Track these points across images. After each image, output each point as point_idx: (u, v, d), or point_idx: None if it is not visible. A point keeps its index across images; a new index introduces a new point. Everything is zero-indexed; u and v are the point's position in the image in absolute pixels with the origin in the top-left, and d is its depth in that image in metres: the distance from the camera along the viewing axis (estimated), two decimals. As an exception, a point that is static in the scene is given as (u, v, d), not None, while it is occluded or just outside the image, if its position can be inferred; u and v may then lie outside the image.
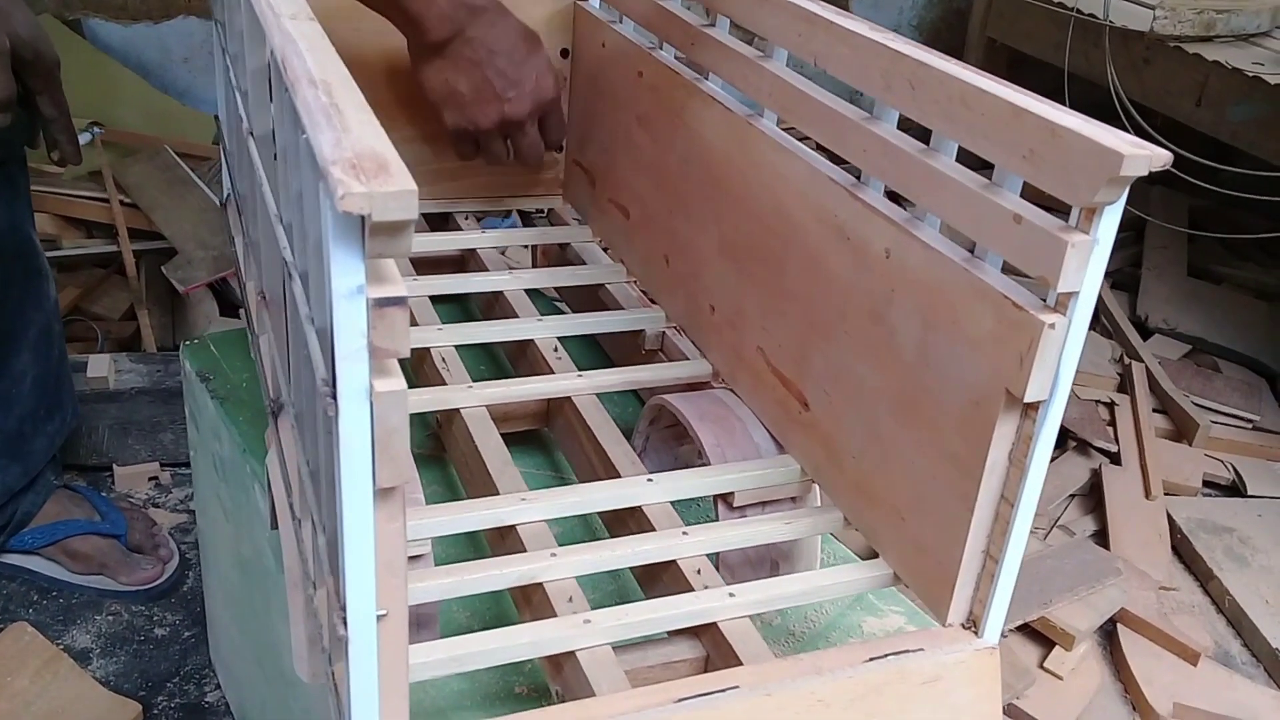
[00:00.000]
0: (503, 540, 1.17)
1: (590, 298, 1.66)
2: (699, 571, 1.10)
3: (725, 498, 1.24)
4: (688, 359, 1.46)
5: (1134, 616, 2.17)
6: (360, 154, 0.66)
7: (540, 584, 1.07)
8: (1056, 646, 2.10)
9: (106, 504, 2.14)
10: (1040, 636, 2.14)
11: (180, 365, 1.70)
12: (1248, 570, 2.41)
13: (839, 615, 1.28)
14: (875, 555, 1.11)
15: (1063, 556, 2.21)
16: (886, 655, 0.98)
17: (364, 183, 0.63)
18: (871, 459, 1.10)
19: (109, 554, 2.09)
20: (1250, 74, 2.71)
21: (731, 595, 1.05)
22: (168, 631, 2.08)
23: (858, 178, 1.11)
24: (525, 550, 1.10)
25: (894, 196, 1.09)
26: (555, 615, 1.03)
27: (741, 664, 1.00)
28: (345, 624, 0.78)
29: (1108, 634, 2.22)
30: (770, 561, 1.26)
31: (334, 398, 0.70)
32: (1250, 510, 2.59)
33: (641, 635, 1.03)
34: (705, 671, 1.07)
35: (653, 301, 1.57)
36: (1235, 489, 2.69)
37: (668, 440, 1.48)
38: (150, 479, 2.38)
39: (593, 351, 1.66)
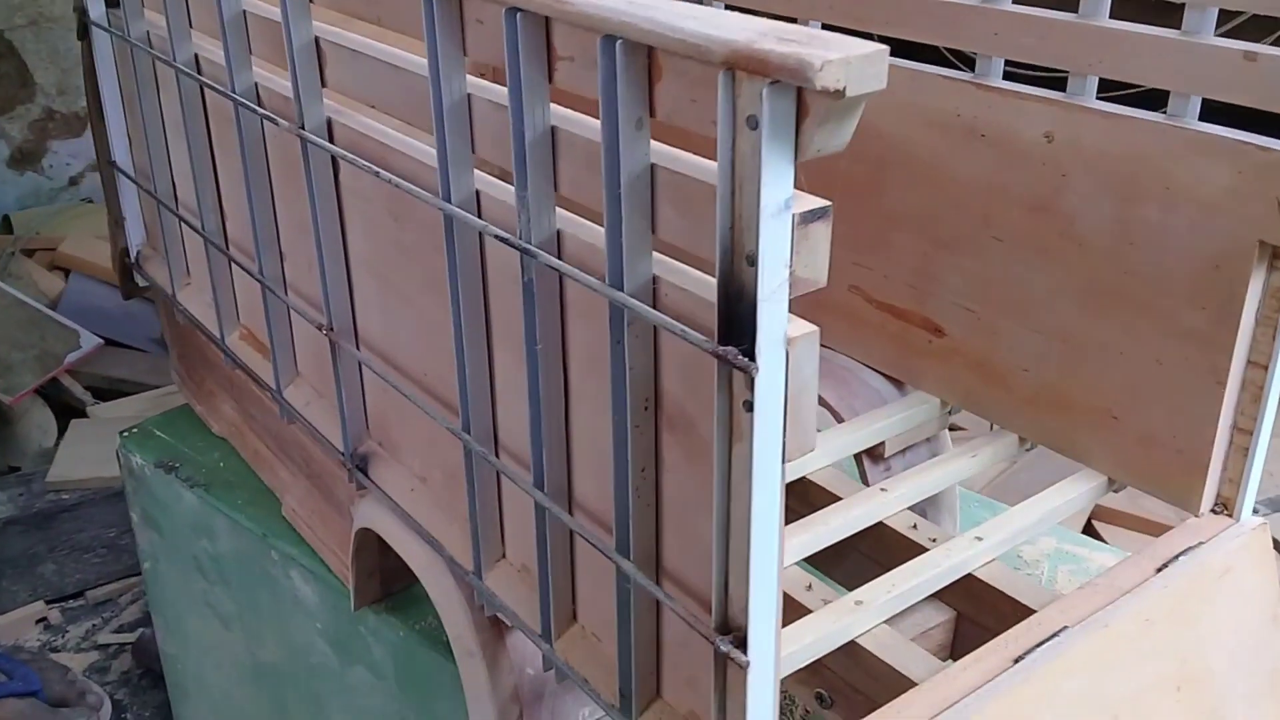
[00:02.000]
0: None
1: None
2: (915, 526, 0.99)
3: (871, 452, 1.13)
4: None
5: (1108, 510, 2.21)
6: (765, 30, 0.51)
7: (764, 579, 0.92)
8: (1052, 557, 2.10)
9: (9, 660, 1.80)
10: (1031, 552, 2.14)
11: (121, 462, 1.43)
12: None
13: (993, 550, 1.19)
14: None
15: (1034, 467, 2.22)
16: (1177, 557, 0.90)
17: (825, 50, 0.48)
18: (1055, 365, 1.01)
19: (32, 716, 1.75)
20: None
21: (979, 539, 0.94)
22: (125, 786, 1.76)
23: (970, 68, 1.03)
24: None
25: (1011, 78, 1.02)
26: (804, 608, 0.89)
27: (1021, 607, 0.90)
28: (745, 645, 0.62)
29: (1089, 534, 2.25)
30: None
31: (751, 354, 0.55)
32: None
33: (909, 604, 0.90)
34: (958, 631, 0.96)
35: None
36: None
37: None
38: (38, 621, 2.03)
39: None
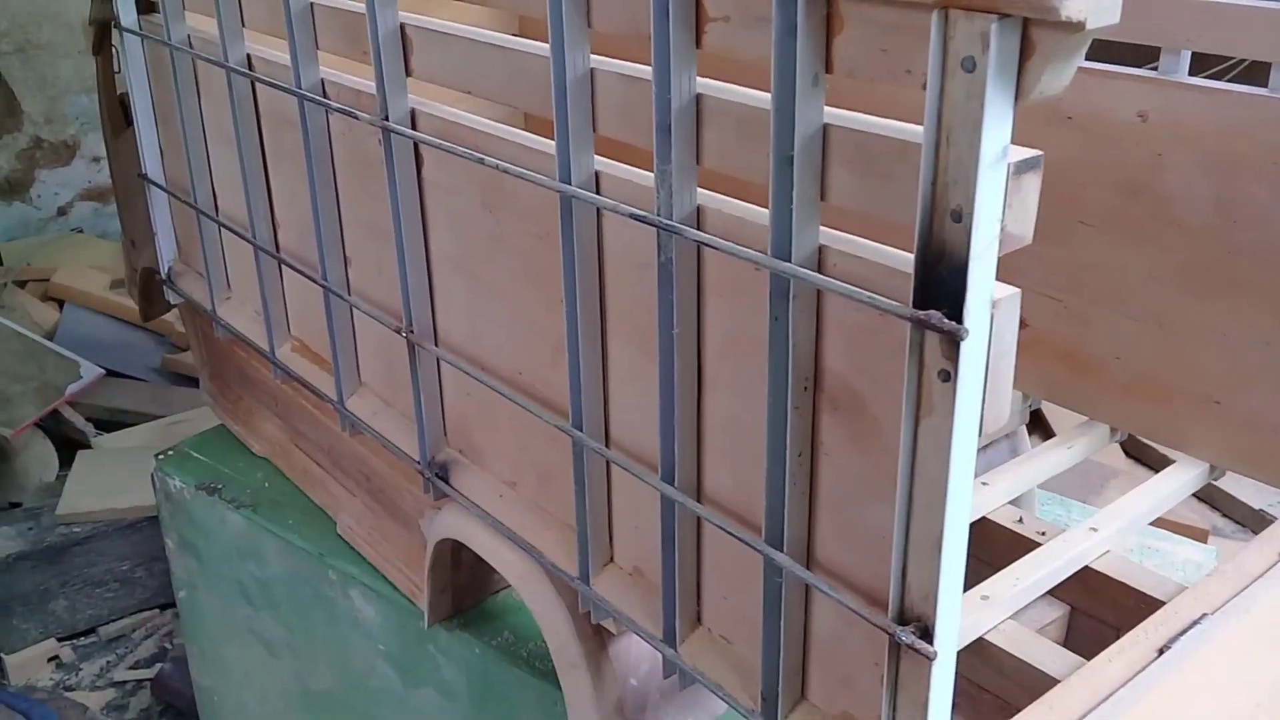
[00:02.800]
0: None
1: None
2: (1020, 520, 0.96)
3: (954, 447, 1.10)
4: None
5: (1135, 515, 2.19)
6: (977, -33, 0.49)
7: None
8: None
9: (26, 701, 1.73)
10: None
11: (156, 486, 1.37)
12: (1191, 450, 2.49)
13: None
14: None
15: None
16: (1303, 540, 0.87)
17: (1059, -18, 0.46)
18: (1151, 352, 0.99)
19: (53, 756, 1.68)
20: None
21: (1094, 530, 0.91)
22: (153, 828, 1.69)
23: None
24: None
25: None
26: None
27: (1144, 598, 0.87)
28: (929, 635, 0.58)
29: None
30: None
31: (959, 316, 0.51)
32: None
33: (1034, 597, 0.87)
34: (1071, 626, 0.93)
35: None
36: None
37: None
38: (50, 659, 1.96)
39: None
